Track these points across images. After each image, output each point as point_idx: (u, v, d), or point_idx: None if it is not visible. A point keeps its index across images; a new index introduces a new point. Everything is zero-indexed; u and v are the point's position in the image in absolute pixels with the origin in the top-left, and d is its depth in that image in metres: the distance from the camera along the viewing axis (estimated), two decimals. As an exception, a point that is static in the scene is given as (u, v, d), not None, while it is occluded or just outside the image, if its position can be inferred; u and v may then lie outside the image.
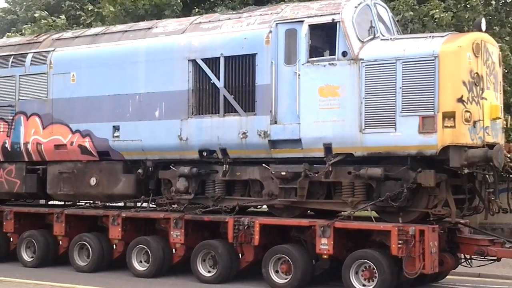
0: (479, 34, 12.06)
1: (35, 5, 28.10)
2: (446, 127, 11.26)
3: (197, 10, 21.66)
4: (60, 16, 25.33)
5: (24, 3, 29.30)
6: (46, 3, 27.98)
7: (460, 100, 11.33)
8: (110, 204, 15.38)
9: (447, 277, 13.82)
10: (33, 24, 26.28)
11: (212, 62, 13.34)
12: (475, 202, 12.68)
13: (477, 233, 13.38)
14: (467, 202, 12.17)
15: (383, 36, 12.51)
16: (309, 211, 13.65)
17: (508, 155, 12.06)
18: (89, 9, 24.43)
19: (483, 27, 12.24)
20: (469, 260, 12.82)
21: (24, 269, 15.02)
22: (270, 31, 12.76)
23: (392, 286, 11.62)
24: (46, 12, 26.36)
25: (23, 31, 25.77)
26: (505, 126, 12.88)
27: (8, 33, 27.38)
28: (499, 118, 12.19)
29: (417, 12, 19.22)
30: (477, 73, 11.65)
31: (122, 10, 22.40)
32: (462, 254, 12.81)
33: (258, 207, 14.44)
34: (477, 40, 11.78)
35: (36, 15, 26.30)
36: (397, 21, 18.88)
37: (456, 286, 13.59)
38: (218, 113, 13.24)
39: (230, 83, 13.17)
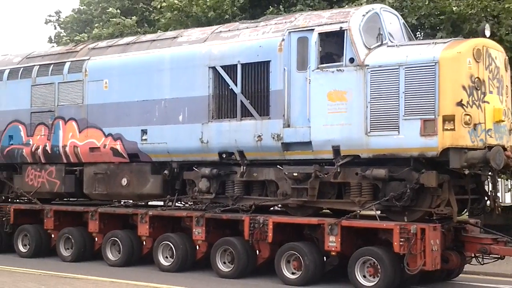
0: (480, 39, 12.42)
1: (110, 6, 28.93)
2: (446, 130, 11.71)
3: (270, 9, 20.91)
4: (132, 17, 26.17)
5: (100, 4, 30.26)
6: (121, 5, 28.82)
7: (460, 104, 11.76)
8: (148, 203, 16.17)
9: (474, 276, 14.46)
10: (105, 23, 27.15)
11: (230, 69, 14.09)
12: (483, 202, 13.11)
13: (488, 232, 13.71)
14: (470, 202, 12.54)
15: (391, 42, 13.02)
16: (327, 210, 14.27)
17: (512, 157, 12.41)
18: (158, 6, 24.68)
19: (487, 33, 12.61)
20: (481, 258, 13.19)
21: (66, 264, 16.00)
22: (283, 39, 13.41)
23: (395, 282, 12.13)
24: (118, 10, 27.34)
25: (95, 30, 26.73)
26: (512, 129, 13.17)
27: (77, 34, 28.34)
28: (503, 121, 12.48)
29: (491, 8, 18.34)
30: (478, 77, 12.02)
31: (181, 15, 22.84)
32: (471, 253, 13.19)
33: (280, 206, 15.11)
34: (478, 46, 12.15)
35: (109, 10, 27.32)
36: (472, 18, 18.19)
37: (469, 284, 13.95)
38: (236, 117, 13.97)
39: (246, 89, 13.89)
